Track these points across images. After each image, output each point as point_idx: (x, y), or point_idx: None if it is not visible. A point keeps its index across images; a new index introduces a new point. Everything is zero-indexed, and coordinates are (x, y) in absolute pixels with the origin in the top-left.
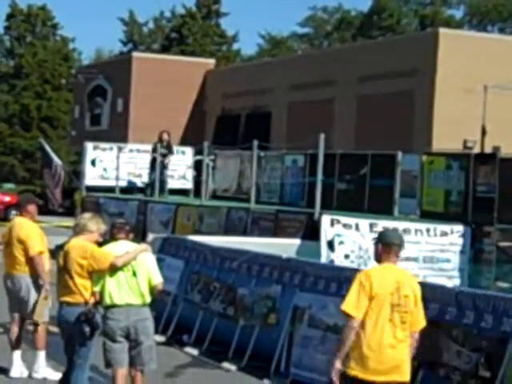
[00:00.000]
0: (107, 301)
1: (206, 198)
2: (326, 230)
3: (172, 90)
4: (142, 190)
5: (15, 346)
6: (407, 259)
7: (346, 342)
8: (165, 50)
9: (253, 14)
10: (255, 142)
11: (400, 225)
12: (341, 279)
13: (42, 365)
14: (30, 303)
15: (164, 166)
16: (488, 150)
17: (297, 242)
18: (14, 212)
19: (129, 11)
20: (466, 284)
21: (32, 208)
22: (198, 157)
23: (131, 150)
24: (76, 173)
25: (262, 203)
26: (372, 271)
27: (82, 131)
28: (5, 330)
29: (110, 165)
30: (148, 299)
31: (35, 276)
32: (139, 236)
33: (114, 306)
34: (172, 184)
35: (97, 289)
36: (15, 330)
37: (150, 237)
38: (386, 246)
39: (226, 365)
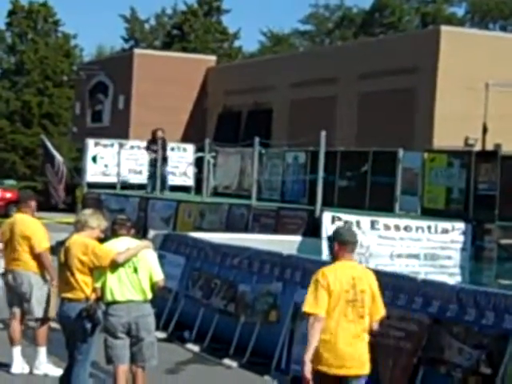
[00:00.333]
0: (108, 297)
1: (207, 195)
2: (327, 227)
3: (173, 86)
4: (142, 187)
5: (15, 341)
6: (408, 256)
7: (312, 340)
8: (166, 46)
9: (254, 10)
10: (256, 139)
11: (401, 222)
12: None
13: (43, 361)
14: (33, 300)
15: (163, 163)
16: (489, 147)
17: (298, 238)
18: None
19: (130, 8)
20: (467, 281)
21: (33, 204)
22: (200, 154)
23: (132, 147)
24: (77, 169)
25: (263, 200)
26: (327, 269)
27: (83, 128)
28: (5, 326)
29: (111, 161)
30: (149, 295)
31: (41, 272)
32: (140, 233)
33: (115, 302)
34: (173, 181)
35: (98, 285)
36: (15, 325)
37: (151, 233)
38: (342, 244)
39: (226, 361)
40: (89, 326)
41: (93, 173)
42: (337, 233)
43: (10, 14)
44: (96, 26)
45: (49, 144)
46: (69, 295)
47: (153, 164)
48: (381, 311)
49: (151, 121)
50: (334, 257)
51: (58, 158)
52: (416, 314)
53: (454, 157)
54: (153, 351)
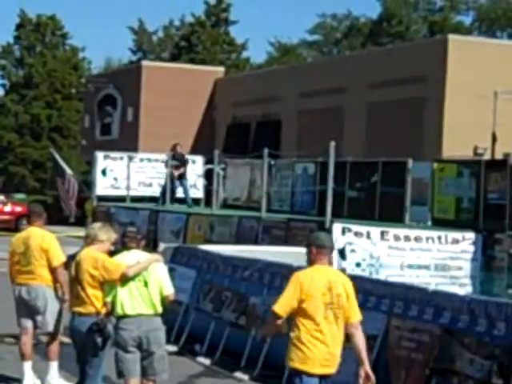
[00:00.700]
0: (119, 311)
1: (217, 207)
2: (338, 239)
3: (182, 98)
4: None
5: (26, 356)
6: (419, 267)
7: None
8: (174, 58)
9: (262, 21)
10: (266, 151)
11: (411, 232)
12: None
13: (54, 376)
14: (47, 313)
15: (179, 177)
16: (498, 156)
17: None
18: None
19: (138, 20)
20: (478, 291)
21: (45, 216)
22: (209, 166)
23: (142, 160)
24: (86, 182)
25: (272, 212)
26: (303, 274)
27: (92, 141)
28: (16, 342)
29: (121, 174)
30: (159, 309)
31: (55, 286)
32: (150, 245)
33: (125, 316)
34: (179, 193)
35: (108, 299)
36: (27, 340)
37: (162, 246)
38: (320, 248)
39: (238, 374)
40: (99, 340)
41: (102, 186)
42: (315, 237)
43: (18, 27)
44: (104, 38)
45: (58, 157)
46: (79, 309)
47: (172, 179)
48: (357, 314)
49: (160, 133)
50: (311, 261)
51: (68, 171)
52: (427, 325)
53: (464, 166)
54: (164, 365)
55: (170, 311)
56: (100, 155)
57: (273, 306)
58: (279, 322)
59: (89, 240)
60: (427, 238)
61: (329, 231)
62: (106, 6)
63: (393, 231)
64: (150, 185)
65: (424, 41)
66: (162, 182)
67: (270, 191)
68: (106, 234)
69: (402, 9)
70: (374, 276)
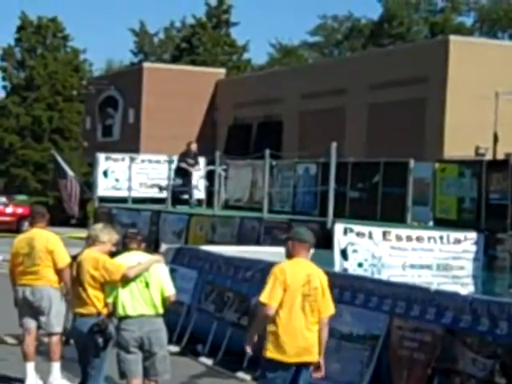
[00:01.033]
0: (120, 312)
1: (219, 208)
2: (339, 239)
3: (183, 100)
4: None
5: (29, 357)
6: (421, 267)
7: (259, 325)
8: (175, 60)
9: (263, 23)
10: (267, 152)
11: (413, 232)
12: (354, 288)
13: (56, 376)
14: (52, 314)
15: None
16: (500, 156)
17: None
18: (26, 224)
19: (139, 22)
20: (480, 291)
21: (48, 218)
22: (210, 167)
23: (143, 161)
24: (88, 184)
25: (274, 212)
26: (285, 265)
27: (93, 142)
28: (19, 342)
29: (122, 175)
30: (161, 310)
31: (59, 286)
32: (152, 246)
33: (127, 316)
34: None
35: (110, 300)
36: (30, 341)
37: (163, 247)
38: (300, 242)
39: (240, 374)
40: (101, 340)
41: (104, 187)
42: (297, 232)
43: (19, 29)
44: (105, 40)
45: (59, 159)
46: (81, 310)
47: (183, 175)
48: (330, 308)
49: (161, 134)
50: (291, 254)
51: (69, 173)
52: (429, 325)
53: (465, 166)
54: (166, 365)
55: (172, 312)
56: (101, 157)
57: (263, 299)
58: (270, 312)
59: (90, 241)
60: (429, 238)
61: (331, 232)
62: (106, 8)
63: (395, 231)
64: (152, 186)
65: (425, 42)
66: (163, 182)
67: (271, 192)
68: (108, 235)
69: (403, 10)
70: (376, 276)
